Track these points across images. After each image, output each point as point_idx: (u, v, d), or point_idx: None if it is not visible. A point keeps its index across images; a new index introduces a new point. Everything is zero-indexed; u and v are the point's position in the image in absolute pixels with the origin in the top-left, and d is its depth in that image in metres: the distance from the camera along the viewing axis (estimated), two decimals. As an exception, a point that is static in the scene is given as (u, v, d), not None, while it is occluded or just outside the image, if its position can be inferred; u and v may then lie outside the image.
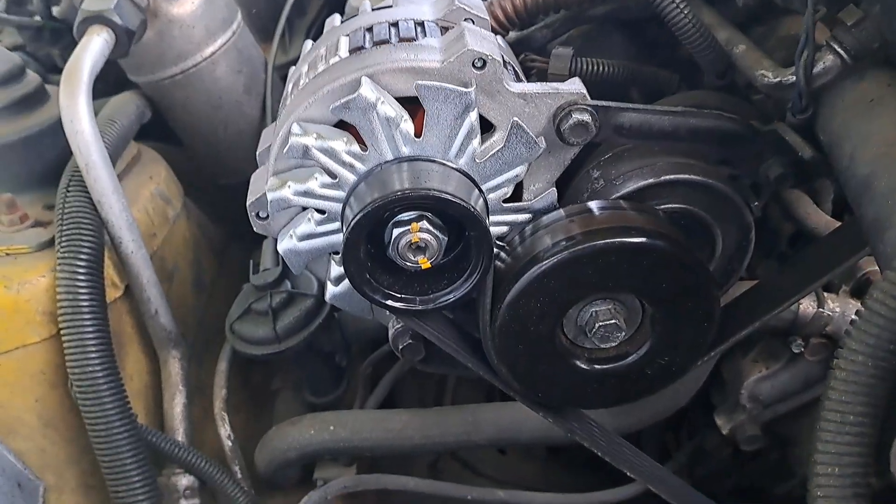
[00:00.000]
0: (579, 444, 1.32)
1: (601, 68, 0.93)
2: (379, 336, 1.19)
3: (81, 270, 0.97)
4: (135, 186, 1.19)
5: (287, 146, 0.73)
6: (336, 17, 0.92)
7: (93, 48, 1.05)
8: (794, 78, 0.74)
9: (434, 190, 0.70)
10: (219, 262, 1.39)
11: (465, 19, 0.82)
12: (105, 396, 0.97)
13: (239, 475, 1.13)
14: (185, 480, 1.06)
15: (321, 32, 0.92)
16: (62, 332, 0.97)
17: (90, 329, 0.97)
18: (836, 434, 0.53)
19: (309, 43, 0.91)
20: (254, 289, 1.11)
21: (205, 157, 1.38)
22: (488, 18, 0.83)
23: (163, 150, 1.38)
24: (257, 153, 0.87)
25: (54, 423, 1.02)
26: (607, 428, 0.91)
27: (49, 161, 1.15)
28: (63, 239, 0.98)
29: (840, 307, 0.95)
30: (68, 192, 1.02)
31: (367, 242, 0.74)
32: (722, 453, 1.23)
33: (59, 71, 1.04)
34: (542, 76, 0.96)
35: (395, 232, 0.72)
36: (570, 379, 0.81)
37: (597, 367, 0.81)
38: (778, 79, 0.76)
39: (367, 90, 0.71)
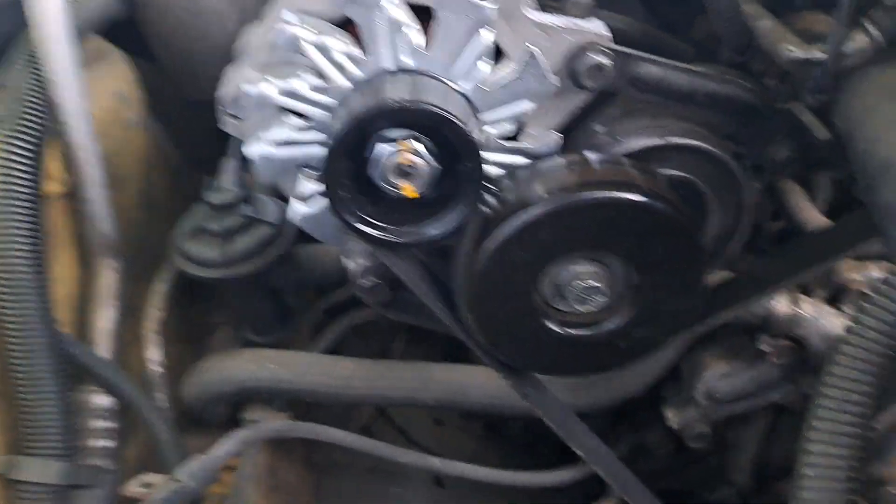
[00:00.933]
0: (521, 422, 1.29)
1: (620, 26, 0.89)
2: (335, 281, 1.13)
3: (21, 154, 0.88)
4: (94, 81, 1.09)
5: (277, 36, 0.66)
6: None
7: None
8: (822, 55, 0.70)
9: (436, 106, 0.64)
10: (171, 184, 1.29)
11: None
12: (27, 294, 0.88)
13: (163, 404, 1.04)
14: (103, 400, 0.97)
15: None
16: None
17: (22, 219, 0.88)
18: (836, 411, 0.50)
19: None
20: (208, 207, 1.02)
21: (177, 71, 1.28)
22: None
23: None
24: (235, 45, 0.79)
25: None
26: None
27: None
28: (4, 116, 0.89)
29: (815, 312, 0.93)
30: (16, 62, 0.92)
31: (348, 158, 0.68)
32: (663, 450, 1.21)
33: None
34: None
35: (381, 149, 0.66)
36: (538, 340, 0.76)
37: (569, 331, 0.76)
38: (805, 55, 0.72)
39: (376, -14, 0.64)
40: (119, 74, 1.16)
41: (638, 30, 0.88)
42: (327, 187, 0.68)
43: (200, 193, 1.06)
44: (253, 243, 1.02)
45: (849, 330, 0.52)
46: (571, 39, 0.70)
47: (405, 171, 0.67)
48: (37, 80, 0.91)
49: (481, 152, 0.67)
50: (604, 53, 0.70)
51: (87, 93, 0.97)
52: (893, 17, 0.67)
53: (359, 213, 0.69)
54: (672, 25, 1.03)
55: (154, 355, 1.05)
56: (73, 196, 1.01)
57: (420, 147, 0.67)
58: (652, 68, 0.72)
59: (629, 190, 0.69)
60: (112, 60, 1.20)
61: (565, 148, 0.77)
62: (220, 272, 1.01)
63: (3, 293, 0.88)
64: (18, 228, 0.88)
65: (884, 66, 0.69)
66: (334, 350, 1.18)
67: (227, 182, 1.04)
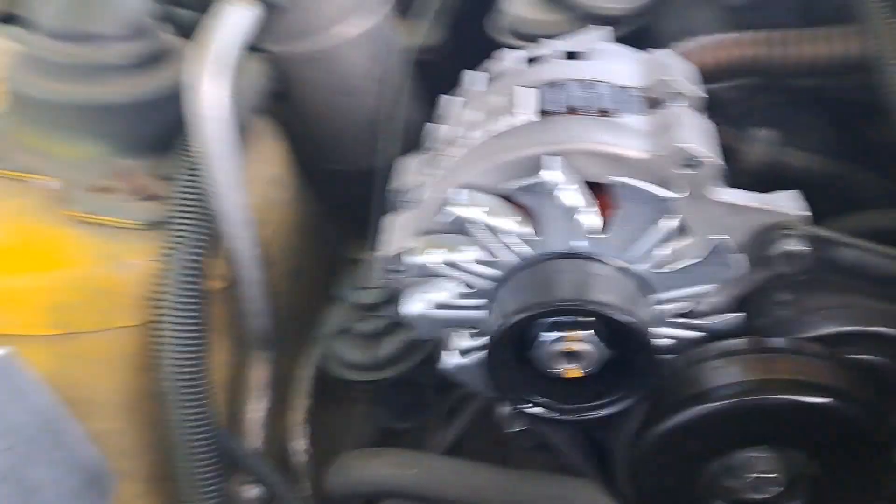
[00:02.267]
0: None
1: (806, 164, 0.81)
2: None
3: (188, 263, 0.92)
4: (253, 168, 1.12)
5: (449, 217, 0.64)
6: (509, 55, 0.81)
7: (233, 21, 0.96)
8: None
9: (605, 305, 0.60)
10: (321, 253, 1.32)
11: (676, 93, 0.70)
12: (192, 394, 0.93)
13: (307, 493, 1.08)
14: (255, 492, 1.01)
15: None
16: (159, 322, 0.92)
17: (189, 324, 0.92)
18: None
19: (474, 75, 0.81)
20: (353, 307, 1.03)
21: (321, 142, 1.30)
22: (705, 95, 0.71)
23: (278, 116, 1.31)
24: (392, 188, 0.78)
25: (136, 407, 0.98)
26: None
27: (171, 126, 1.08)
28: (175, 227, 0.92)
29: None
30: (190, 174, 0.96)
31: (511, 343, 0.65)
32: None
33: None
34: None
35: (546, 337, 0.64)
36: (704, 518, 0.72)
37: (739, 511, 0.71)
38: None
39: (549, 174, 0.61)
40: (273, 156, 1.18)
41: (829, 171, 0.79)
42: (489, 366, 0.66)
43: (345, 288, 1.07)
44: (400, 346, 1.02)
45: None
46: (763, 220, 0.64)
47: (572, 355, 0.64)
48: (200, 192, 0.95)
49: (651, 329, 0.63)
50: (801, 239, 0.63)
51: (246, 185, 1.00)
52: None
53: (522, 395, 0.67)
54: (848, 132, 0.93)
55: (300, 445, 1.08)
56: (232, 289, 1.04)
57: (587, 334, 0.63)
58: (851, 253, 0.65)
59: (818, 393, 0.63)
60: (264, 138, 1.22)
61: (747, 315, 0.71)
62: (366, 375, 1.01)
63: (179, 389, 0.92)
64: (187, 332, 0.92)
65: None
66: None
67: (373, 280, 1.05)
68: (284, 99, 1.29)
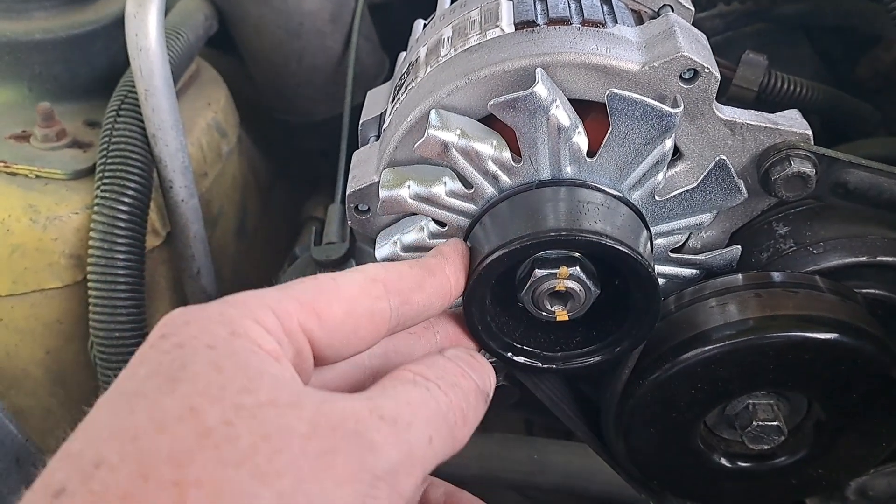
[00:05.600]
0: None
1: (798, 90, 0.75)
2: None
3: (123, 216, 0.82)
4: (190, 113, 1.02)
5: (420, 140, 0.56)
6: None
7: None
8: None
9: (604, 236, 0.53)
10: (263, 205, 1.22)
11: (664, 5, 0.63)
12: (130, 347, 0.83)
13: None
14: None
15: None
16: (90, 284, 0.82)
17: (123, 286, 0.82)
18: None
19: (447, -5, 0.72)
20: (314, 263, 0.95)
21: (268, 88, 1.20)
22: (692, 9, 0.64)
23: (221, 63, 1.20)
24: (361, 122, 0.70)
25: (64, 380, 0.88)
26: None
27: (98, 68, 0.98)
28: (107, 174, 0.82)
29: None
30: (119, 115, 0.85)
31: (494, 282, 0.58)
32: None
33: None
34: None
35: (537, 273, 0.56)
36: (699, 472, 0.67)
37: (738, 463, 0.66)
38: None
39: (543, 88, 0.53)
40: (214, 100, 1.08)
41: (820, 97, 0.74)
42: (467, 311, 0.59)
43: (304, 246, 0.98)
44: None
45: None
46: (765, 140, 0.58)
47: (561, 295, 0.57)
48: (140, 135, 0.84)
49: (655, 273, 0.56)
50: (807, 159, 0.57)
51: (186, 139, 0.90)
52: None
53: (504, 338, 0.59)
54: (833, 63, 0.88)
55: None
56: (169, 246, 0.95)
57: (580, 272, 0.56)
58: (862, 175, 0.59)
59: (825, 328, 0.57)
60: (207, 82, 1.12)
61: (742, 251, 0.65)
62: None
63: (107, 362, 0.83)
64: (120, 295, 0.82)
65: None
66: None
67: (332, 234, 0.96)
68: (227, 41, 1.19)
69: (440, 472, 0.95)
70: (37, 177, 0.85)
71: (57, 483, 0.33)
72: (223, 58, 1.24)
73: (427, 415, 0.41)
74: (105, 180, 0.82)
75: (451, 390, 0.44)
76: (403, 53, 0.75)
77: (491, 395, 0.49)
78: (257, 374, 0.37)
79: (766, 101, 0.73)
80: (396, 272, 0.47)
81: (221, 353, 0.37)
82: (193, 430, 0.34)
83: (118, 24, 0.85)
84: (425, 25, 0.74)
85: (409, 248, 0.63)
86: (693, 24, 0.83)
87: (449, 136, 0.56)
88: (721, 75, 0.74)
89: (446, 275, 0.50)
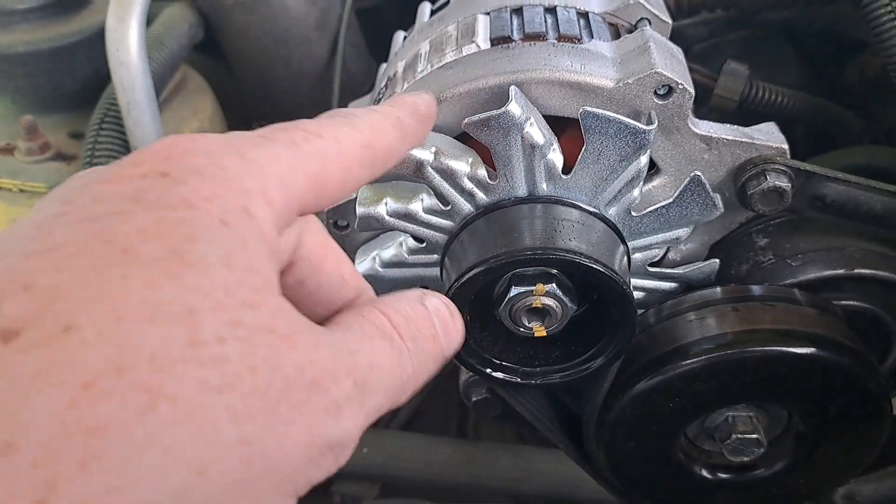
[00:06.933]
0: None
1: (780, 99, 0.75)
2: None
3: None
4: (175, 123, 1.02)
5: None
6: None
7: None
8: None
9: (578, 254, 0.53)
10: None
11: (641, 18, 0.63)
12: None
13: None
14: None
15: None
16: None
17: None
18: None
19: (426, 7, 0.72)
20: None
21: (255, 94, 1.19)
22: (670, 22, 0.64)
23: (210, 68, 1.20)
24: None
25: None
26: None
27: (82, 79, 0.98)
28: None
29: None
30: (102, 129, 0.85)
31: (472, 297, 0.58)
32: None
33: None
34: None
35: (514, 291, 0.56)
36: (681, 483, 0.67)
37: (719, 475, 0.66)
38: None
39: (516, 107, 0.53)
40: (200, 109, 1.08)
41: (802, 107, 0.73)
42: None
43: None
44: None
45: None
46: (741, 154, 0.58)
47: (538, 312, 0.57)
48: (123, 150, 0.84)
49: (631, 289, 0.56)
50: (782, 173, 0.57)
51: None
52: None
53: (483, 354, 0.59)
54: (821, 69, 0.88)
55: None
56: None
57: (557, 289, 0.56)
58: (839, 188, 0.59)
59: (803, 342, 0.57)
60: (193, 90, 1.11)
61: (722, 262, 0.65)
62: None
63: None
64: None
65: None
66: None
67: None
68: (212, 48, 1.18)
69: (428, 480, 0.95)
70: (20, 191, 0.85)
71: (7, 322, 0.27)
72: (212, 62, 1.23)
73: (390, 383, 0.37)
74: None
75: (417, 357, 0.39)
76: (384, 65, 0.75)
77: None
78: (263, 286, 0.32)
79: (748, 111, 0.73)
80: (385, 141, 0.41)
81: (233, 238, 0.31)
82: (185, 335, 0.28)
83: (101, 35, 0.85)
84: (405, 38, 0.74)
85: (388, 265, 0.63)
86: (677, 32, 0.83)
87: (424, 155, 0.56)
88: (702, 85, 0.75)
89: (419, 137, 0.45)
